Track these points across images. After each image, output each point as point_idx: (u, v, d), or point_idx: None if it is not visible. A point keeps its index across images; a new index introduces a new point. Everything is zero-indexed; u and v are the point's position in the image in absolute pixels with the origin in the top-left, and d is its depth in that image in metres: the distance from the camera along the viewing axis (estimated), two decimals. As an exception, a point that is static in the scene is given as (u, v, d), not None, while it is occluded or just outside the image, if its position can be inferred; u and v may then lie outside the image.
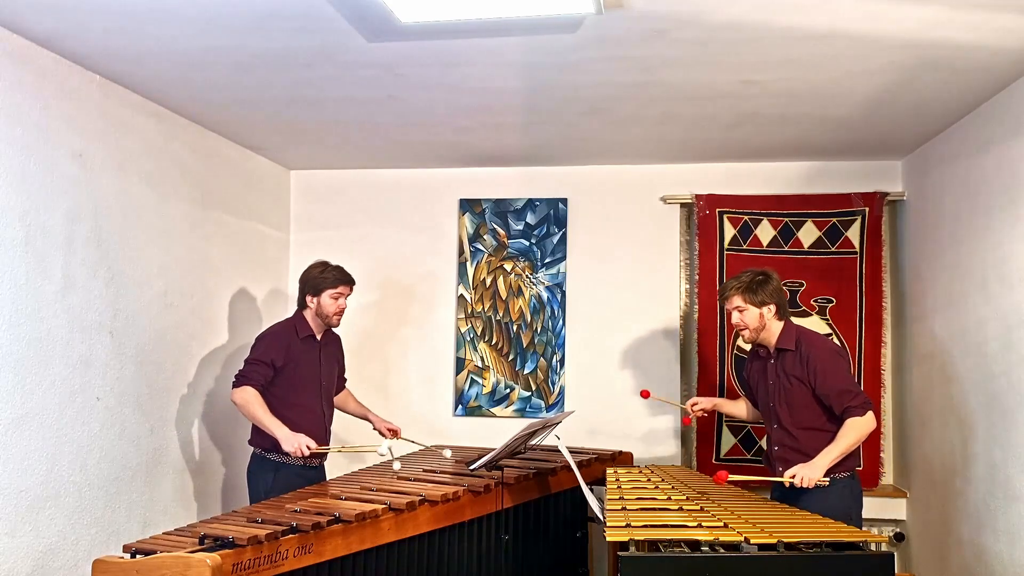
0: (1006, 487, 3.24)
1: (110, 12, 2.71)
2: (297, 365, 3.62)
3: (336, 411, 3.93)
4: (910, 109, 3.57)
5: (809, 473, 3.08)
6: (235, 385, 3.50)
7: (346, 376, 4.04)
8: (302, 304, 3.71)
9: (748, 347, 4.42)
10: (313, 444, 3.41)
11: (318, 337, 3.73)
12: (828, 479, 3.11)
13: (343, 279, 3.69)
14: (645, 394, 4.04)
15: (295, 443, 3.38)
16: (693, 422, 4.36)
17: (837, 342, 4.30)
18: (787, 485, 3.14)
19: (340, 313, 3.71)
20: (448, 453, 3.79)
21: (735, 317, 3.35)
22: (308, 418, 3.62)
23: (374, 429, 4.03)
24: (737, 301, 3.31)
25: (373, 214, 4.88)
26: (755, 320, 3.30)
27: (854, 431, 3.13)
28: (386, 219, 4.87)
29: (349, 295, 3.72)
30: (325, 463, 3.76)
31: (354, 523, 2.63)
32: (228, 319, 4.24)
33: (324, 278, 3.66)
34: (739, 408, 3.76)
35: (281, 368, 3.57)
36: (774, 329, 3.32)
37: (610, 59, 3.04)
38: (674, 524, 2.59)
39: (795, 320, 3.52)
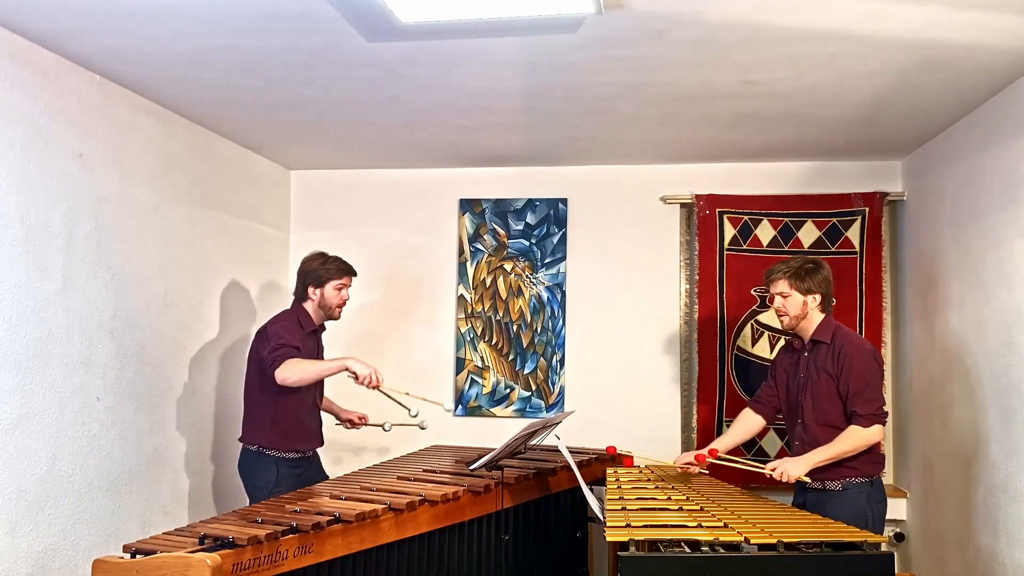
0: (1006, 487, 3.24)
1: (110, 12, 2.71)
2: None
3: None
4: (910, 109, 3.57)
5: (791, 468, 3.03)
6: (276, 364, 3.33)
7: None
8: (302, 297, 3.65)
9: (750, 347, 4.46)
10: (382, 374, 3.44)
11: (317, 330, 3.70)
12: (832, 483, 3.09)
13: (346, 269, 3.66)
14: (628, 462, 3.59)
15: (370, 368, 3.41)
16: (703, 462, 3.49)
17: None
18: (767, 476, 3.10)
19: (343, 304, 3.67)
20: (420, 419, 3.85)
21: (777, 302, 3.24)
22: (307, 413, 3.61)
23: (338, 421, 3.96)
24: (783, 286, 3.20)
25: (373, 214, 4.88)
26: (798, 308, 3.20)
27: (851, 440, 3.06)
28: (386, 219, 4.87)
29: (350, 286, 3.69)
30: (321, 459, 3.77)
31: (354, 523, 2.63)
32: (229, 320, 4.23)
33: (327, 269, 3.61)
34: (740, 432, 3.53)
35: None
36: (814, 320, 3.22)
37: (610, 59, 3.04)
38: (674, 524, 2.59)
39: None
